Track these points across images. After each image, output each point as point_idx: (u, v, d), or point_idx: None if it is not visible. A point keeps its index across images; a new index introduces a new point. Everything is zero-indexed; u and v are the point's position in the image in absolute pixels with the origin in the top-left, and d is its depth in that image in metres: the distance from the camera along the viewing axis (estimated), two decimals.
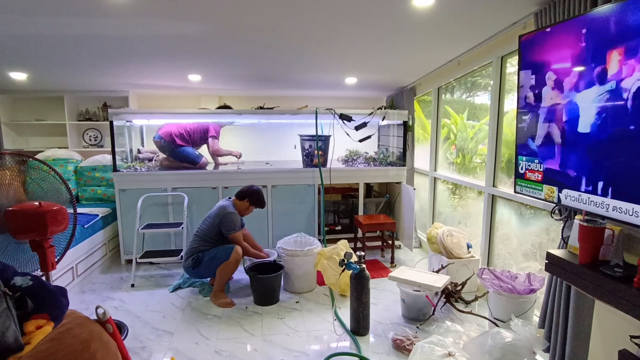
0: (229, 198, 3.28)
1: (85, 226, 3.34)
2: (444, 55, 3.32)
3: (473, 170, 4.05)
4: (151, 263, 3.79)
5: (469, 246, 3.26)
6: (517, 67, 2.32)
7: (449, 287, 2.83)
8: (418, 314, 2.71)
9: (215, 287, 3.03)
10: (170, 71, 3.66)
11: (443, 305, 2.84)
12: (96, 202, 4.19)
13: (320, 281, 3.31)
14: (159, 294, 3.21)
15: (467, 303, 2.91)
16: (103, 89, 4.54)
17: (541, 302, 2.29)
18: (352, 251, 3.14)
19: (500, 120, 2.95)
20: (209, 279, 3.28)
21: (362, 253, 2.52)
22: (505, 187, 2.93)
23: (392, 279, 2.76)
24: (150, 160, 4.29)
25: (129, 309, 2.93)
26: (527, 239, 2.73)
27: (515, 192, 2.37)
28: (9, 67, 3.44)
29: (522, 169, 2.29)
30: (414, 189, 3.81)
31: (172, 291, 3.25)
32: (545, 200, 2.11)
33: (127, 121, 3.89)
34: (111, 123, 3.68)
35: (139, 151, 4.39)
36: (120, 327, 2.33)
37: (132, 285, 3.35)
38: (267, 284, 2.98)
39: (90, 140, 4.83)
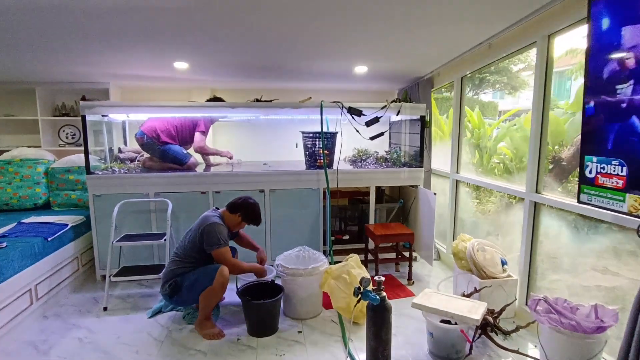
0: (217, 208, 2.76)
1: (49, 239, 2.82)
2: (472, 38, 2.80)
3: (491, 171, 3.57)
4: (131, 280, 3.27)
5: (503, 263, 2.74)
6: (562, 51, 1.80)
7: (486, 315, 2.32)
8: (449, 352, 2.19)
9: (200, 315, 2.51)
10: (153, 58, 3.15)
11: (477, 337, 2.32)
12: (70, 209, 3.68)
13: (327, 303, 2.80)
14: (135, 320, 2.70)
15: (506, 334, 2.39)
16: (81, 81, 4.04)
17: (613, 342, 1.77)
18: (367, 273, 2.63)
19: (546, 111, 2.43)
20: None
21: (381, 278, 2.00)
22: (553, 193, 2.41)
23: (417, 307, 2.24)
24: (132, 160, 3.79)
25: (96, 341, 2.41)
26: (585, 259, 2.22)
27: (579, 201, 1.85)
28: None
29: (590, 172, 1.78)
30: (435, 193, 3.29)
31: (150, 316, 2.73)
32: (629, 214, 1.60)
33: (102, 116, 3.38)
34: (83, 118, 3.17)
35: (120, 150, 3.88)
36: None
37: (105, 309, 2.83)
38: (264, 311, 2.46)
39: (67, 138, 4.33)
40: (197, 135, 3.54)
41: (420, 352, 2.29)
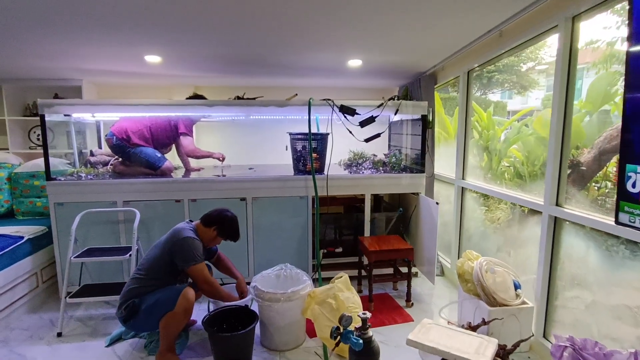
0: (190, 221, 2.42)
1: None
2: (481, 25, 2.42)
3: (501, 175, 3.18)
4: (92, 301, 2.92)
5: (516, 287, 2.35)
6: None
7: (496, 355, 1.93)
8: None
9: (162, 345, 2.16)
10: (120, 50, 2.81)
11: None
12: (35, 218, 3.36)
13: (311, 330, 2.43)
14: (90, 349, 2.35)
15: None
16: (52, 77, 3.72)
17: None
18: (357, 296, 2.26)
19: (569, 107, 2.03)
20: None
21: (367, 315, 1.62)
22: (578, 206, 2.01)
23: (413, 345, 1.86)
24: (105, 164, 3.45)
25: None
26: (621, 289, 1.82)
27: (618, 222, 1.46)
28: None
29: (634, 186, 1.38)
30: (437, 203, 2.90)
31: (108, 345, 2.39)
32: None
33: (65, 115, 3.05)
34: (42, 117, 2.84)
35: (91, 153, 3.54)
36: None
37: (59, 335, 2.49)
38: (232, 345, 2.10)
39: (38, 139, 4.01)
40: (184, 139, 3.23)
41: None
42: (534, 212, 2.45)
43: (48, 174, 2.90)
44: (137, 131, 3.13)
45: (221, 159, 3.60)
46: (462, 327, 2.22)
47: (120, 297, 2.22)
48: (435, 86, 3.59)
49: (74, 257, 2.61)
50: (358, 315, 1.62)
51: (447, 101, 4.26)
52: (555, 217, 2.10)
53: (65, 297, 2.53)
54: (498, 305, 2.24)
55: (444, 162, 3.68)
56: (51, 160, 3.35)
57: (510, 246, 2.78)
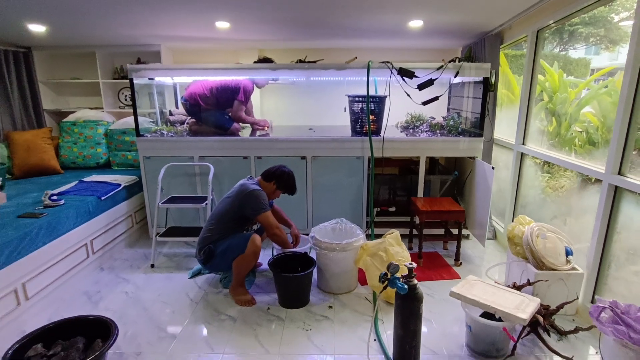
0: (251, 177, 2.73)
1: (103, 198, 3.01)
2: None
3: (570, 141, 3.05)
4: (176, 240, 3.42)
5: (568, 253, 2.37)
6: None
7: (538, 312, 2.03)
8: (489, 349, 1.97)
9: (234, 281, 2.54)
10: (195, 17, 3.05)
11: (525, 335, 2.06)
12: (127, 169, 3.90)
13: (362, 278, 2.68)
14: (177, 279, 2.83)
15: (561, 334, 2.11)
16: (134, 43, 4.11)
17: None
18: (406, 251, 2.45)
19: None
20: None
21: (412, 265, 1.80)
22: None
23: (455, 297, 2.03)
24: (182, 123, 3.85)
25: (139, 297, 2.57)
26: None
27: None
28: (25, 18, 3.08)
29: None
30: (493, 168, 2.91)
31: (190, 277, 2.85)
32: None
33: (149, 79, 3.43)
34: (131, 81, 3.23)
35: (170, 113, 3.96)
36: (109, 327, 1.91)
37: (152, 266, 3.01)
38: (293, 284, 2.42)
39: (126, 100, 4.52)
40: (235, 103, 3.47)
41: (456, 345, 2.09)
42: (598, 181, 2.40)
43: (137, 131, 3.34)
44: (202, 96, 3.43)
45: (266, 127, 3.82)
46: (508, 287, 2.33)
47: (197, 244, 2.61)
48: (501, 46, 3.44)
49: (161, 203, 3.06)
50: (404, 265, 1.81)
51: (520, 59, 4.03)
52: (616, 187, 2.06)
53: (156, 236, 3.01)
54: (546, 269, 2.30)
55: (506, 125, 3.59)
56: (141, 119, 3.83)
57: (567, 214, 2.75)
